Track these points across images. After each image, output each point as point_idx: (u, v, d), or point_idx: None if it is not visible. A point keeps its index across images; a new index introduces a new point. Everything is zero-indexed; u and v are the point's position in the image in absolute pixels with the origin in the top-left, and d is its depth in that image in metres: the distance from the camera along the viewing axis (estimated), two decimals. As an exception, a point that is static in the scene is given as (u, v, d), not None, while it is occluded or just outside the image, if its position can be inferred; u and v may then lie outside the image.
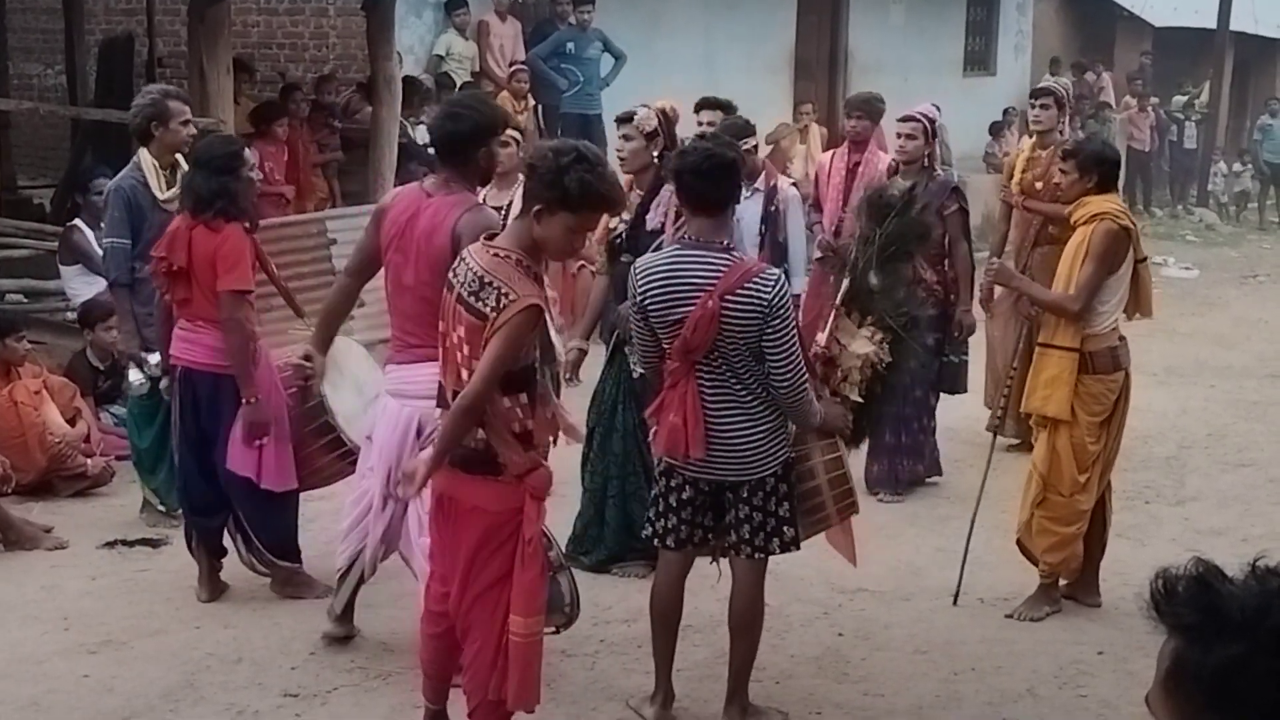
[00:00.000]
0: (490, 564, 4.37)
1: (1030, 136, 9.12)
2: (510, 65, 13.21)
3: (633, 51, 14.15)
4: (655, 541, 5.15)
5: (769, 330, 4.69)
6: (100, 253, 9.05)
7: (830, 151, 8.68)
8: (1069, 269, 6.08)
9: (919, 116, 7.80)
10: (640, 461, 6.41)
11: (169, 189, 6.64)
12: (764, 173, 7.39)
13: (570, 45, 13.56)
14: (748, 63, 16.03)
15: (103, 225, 6.61)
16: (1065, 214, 6.48)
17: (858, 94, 8.79)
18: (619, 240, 6.43)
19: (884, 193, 5.50)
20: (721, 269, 4.73)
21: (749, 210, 7.41)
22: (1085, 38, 23.92)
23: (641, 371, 6.42)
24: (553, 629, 4.62)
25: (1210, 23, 22.60)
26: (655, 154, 6.38)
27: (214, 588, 6.28)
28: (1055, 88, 8.98)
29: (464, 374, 4.32)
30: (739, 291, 4.68)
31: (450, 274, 4.43)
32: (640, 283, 4.87)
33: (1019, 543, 6.35)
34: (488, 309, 4.22)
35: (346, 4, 13.22)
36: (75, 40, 13.66)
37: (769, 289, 4.69)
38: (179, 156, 6.75)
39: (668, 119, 6.49)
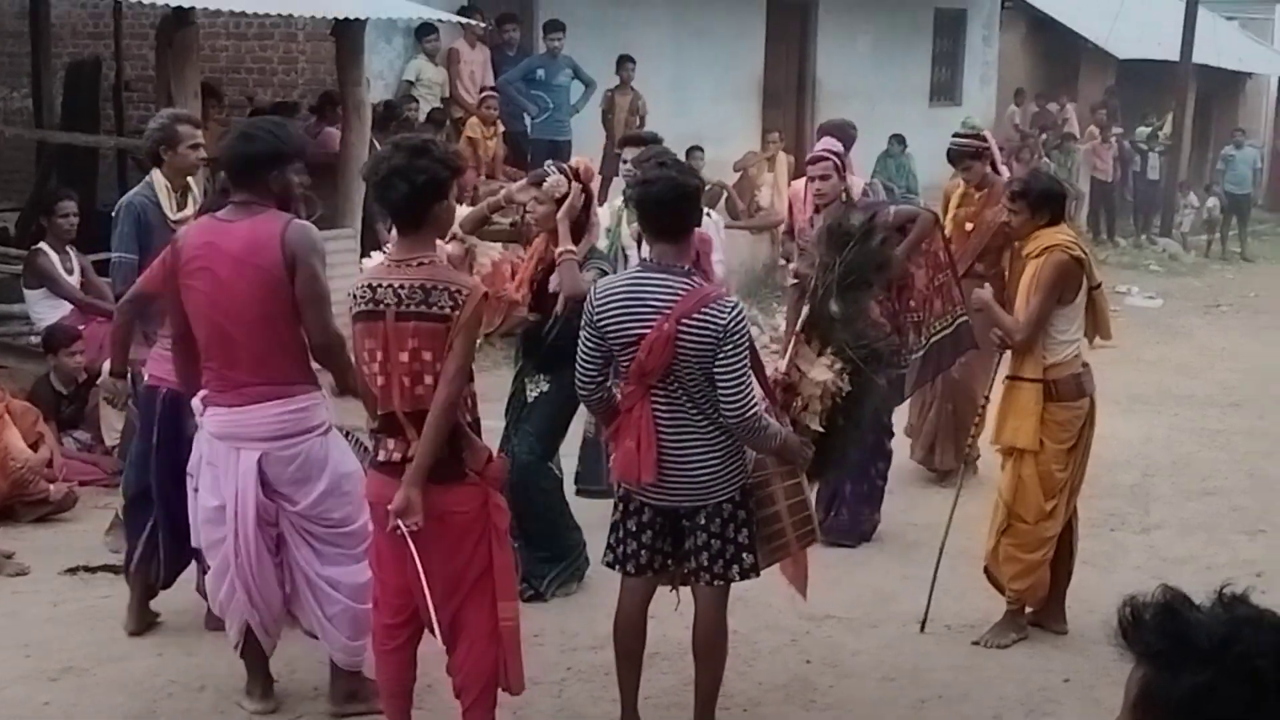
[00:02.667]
0: (474, 561, 4.57)
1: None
2: (480, 91, 13.23)
3: (602, 79, 14.21)
4: (615, 568, 5.14)
5: (721, 355, 4.69)
6: (65, 276, 9.10)
7: (804, 179, 8.62)
8: (1023, 301, 6.14)
9: (827, 155, 7.59)
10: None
11: (179, 210, 6.59)
12: None
13: (540, 72, 13.62)
14: (716, 90, 16.09)
15: (112, 240, 6.53)
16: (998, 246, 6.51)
17: (830, 120, 8.76)
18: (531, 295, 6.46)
19: (844, 221, 5.52)
20: (680, 292, 4.75)
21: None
22: (1050, 69, 24.15)
23: (535, 395, 6.46)
24: None
25: (1174, 55, 22.85)
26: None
27: (143, 619, 6.16)
28: (967, 146, 8.63)
29: (419, 387, 4.47)
30: (695, 316, 4.70)
31: (369, 305, 4.50)
32: (599, 302, 4.87)
33: (986, 570, 6.38)
34: (448, 309, 4.42)
35: (316, 29, 13.20)
36: (42, 63, 13.59)
37: (725, 315, 4.70)
38: (190, 179, 6.70)
39: (579, 177, 6.40)
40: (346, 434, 5.69)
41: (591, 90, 14.06)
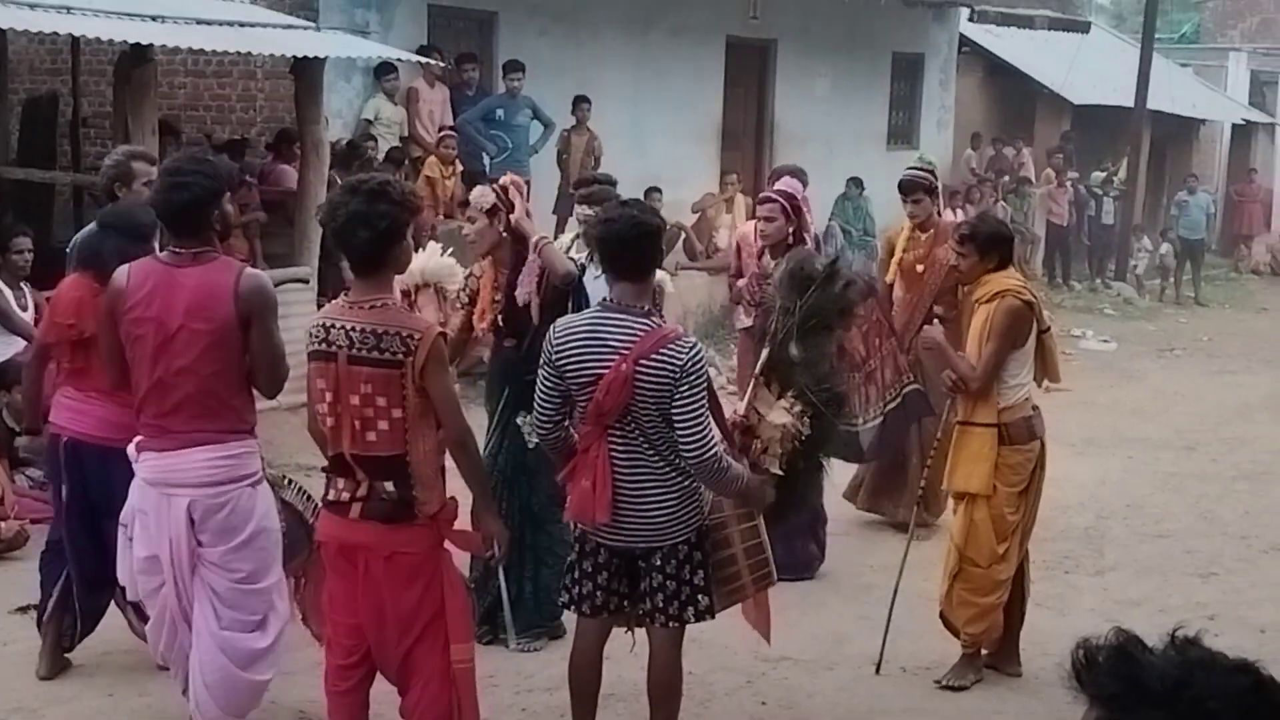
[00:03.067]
0: (425, 603, 4.56)
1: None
2: (439, 131, 13.24)
3: (562, 119, 14.25)
4: (571, 608, 5.12)
5: (678, 396, 4.68)
6: (19, 312, 9.02)
7: (752, 222, 8.50)
8: (976, 347, 6.16)
9: (775, 196, 7.53)
10: (538, 532, 6.45)
11: None
12: None
13: (500, 112, 13.64)
14: (675, 131, 16.16)
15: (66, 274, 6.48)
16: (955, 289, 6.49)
17: (782, 165, 8.76)
18: (499, 322, 6.41)
19: (805, 264, 5.53)
20: (639, 333, 4.74)
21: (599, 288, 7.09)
22: (1006, 113, 24.37)
23: (536, 440, 6.39)
24: None
25: (1128, 101, 23.10)
26: (502, 229, 6.35)
27: (55, 664, 6.02)
28: (922, 179, 8.58)
29: (370, 432, 4.46)
30: (653, 356, 4.69)
31: (322, 345, 4.47)
32: (558, 341, 4.86)
33: (941, 614, 6.38)
34: (400, 355, 4.40)
35: (275, 67, 13.18)
36: (-2, 98, 13.53)
37: (683, 355, 4.70)
38: None
39: (507, 192, 6.37)
40: (288, 481, 5.63)
41: (551, 131, 14.10)
